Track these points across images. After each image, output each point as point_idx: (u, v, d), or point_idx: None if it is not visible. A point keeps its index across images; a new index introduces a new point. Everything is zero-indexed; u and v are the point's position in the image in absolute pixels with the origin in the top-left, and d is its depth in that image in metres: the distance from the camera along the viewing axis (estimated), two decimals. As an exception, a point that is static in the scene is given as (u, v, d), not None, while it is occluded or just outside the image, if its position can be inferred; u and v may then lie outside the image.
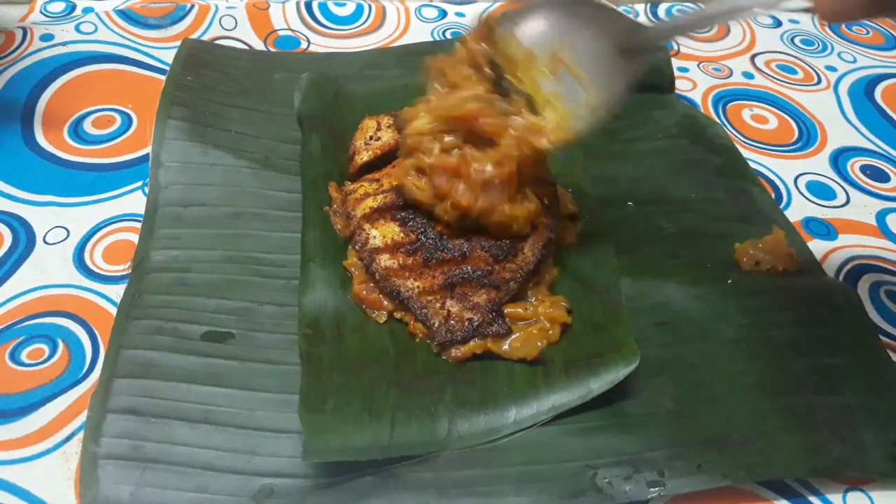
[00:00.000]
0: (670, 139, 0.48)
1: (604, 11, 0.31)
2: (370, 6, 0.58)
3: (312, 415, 0.31)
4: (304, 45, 0.54)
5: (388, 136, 0.40)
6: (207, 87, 0.46)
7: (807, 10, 0.27)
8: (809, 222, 0.45)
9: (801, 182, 0.48)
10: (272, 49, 0.53)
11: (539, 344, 0.34)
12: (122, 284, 0.37)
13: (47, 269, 0.37)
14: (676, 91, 0.52)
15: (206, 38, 0.53)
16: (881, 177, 0.49)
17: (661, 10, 0.63)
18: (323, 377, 0.32)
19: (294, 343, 0.34)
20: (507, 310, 0.35)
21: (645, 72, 0.31)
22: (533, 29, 0.32)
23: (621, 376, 0.32)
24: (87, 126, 0.45)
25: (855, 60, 0.59)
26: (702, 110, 0.52)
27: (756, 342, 0.36)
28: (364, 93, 0.46)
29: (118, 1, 0.55)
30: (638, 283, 0.38)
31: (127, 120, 0.46)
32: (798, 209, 0.45)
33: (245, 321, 0.35)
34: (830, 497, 0.32)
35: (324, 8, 0.58)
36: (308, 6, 0.57)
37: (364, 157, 0.39)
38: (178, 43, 0.50)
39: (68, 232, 0.39)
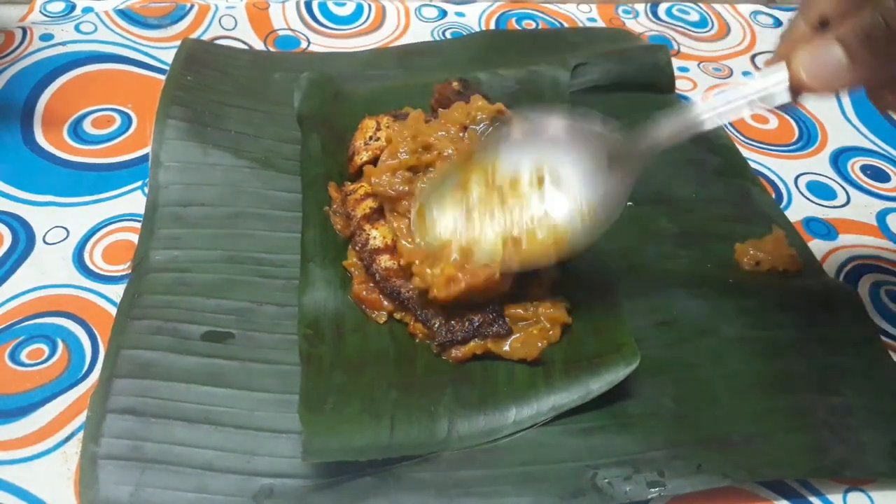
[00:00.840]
0: (670, 139, 0.47)
1: (586, 129, 0.31)
2: (370, 6, 0.58)
3: (312, 415, 0.31)
4: (303, 44, 0.54)
5: (388, 136, 0.40)
6: (207, 86, 0.46)
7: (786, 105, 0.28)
8: (810, 222, 0.45)
9: (802, 182, 0.48)
10: (272, 49, 0.53)
11: (539, 344, 0.34)
12: (122, 284, 0.36)
13: (47, 269, 0.37)
14: (676, 91, 0.52)
15: (205, 37, 0.53)
16: (881, 177, 0.49)
17: (661, 9, 0.63)
18: (323, 377, 0.32)
19: (294, 343, 0.34)
20: (508, 310, 0.35)
21: (636, 180, 0.31)
22: (515, 154, 0.32)
23: (621, 376, 0.32)
24: (87, 126, 0.45)
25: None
26: (702, 110, 0.52)
27: (756, 342, 0.36)
28: (364, 93, 0.46)
29: (118, 1, 0.55)
30: (638, 284, 0.38)
31: (127, 120, 0.46)
32: (798, 209, 0.45)
33: (245, 321, 0.35)
34: (831, 497, 0.32)
35: (324, 8, 0.58)
36: (308, 6, 0.57)
37: (364, 157, 0.39)
38: (178, 43, 0.49)
39: (68, 232, 0.39)
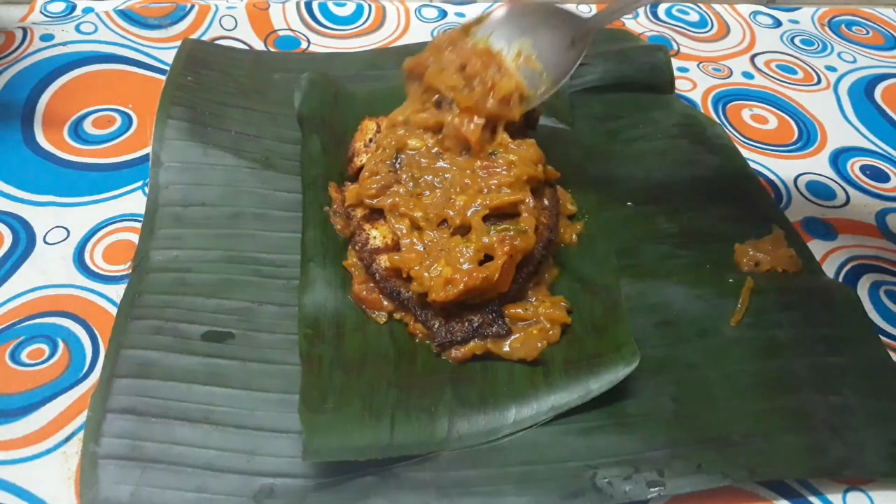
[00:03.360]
0: (670, 139, 0.48)
1: (559, 13, 0.39)
2: (370, 6, 0.58)
3: (312, 415, 0.31)
4: (304, 45, 0.54)
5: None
6: (207, 87, 0.46)
7: None
8: (809, 222, 0.45)
9: (801, 182, 0.48)
10: (272, 49, 0.53)
11: (539, 345, 0.34)
12: (123, 284, 0.37)
13: (47, 269, 0.37)
14: (676, 91, 0.52)
15: (206, 38, 0.53)
16: (881, 177, 0.49)
17: (661, 10, 0.63)
18: (323, 377, 0.32)
19: (294, 343, 0.34)
20: (508, 310, 0.35)
21: (584, 54, 0.38)
22: (502, 32, 0.39)
23: (621, 376, 0.33)
24: (88, 126, 0.45)
25: (855, 60, 0.59)
26: (701, 110, 0.52)
27: (756, 342, 0.36)
28: (364, 93, 0.46)
29: (118, 1, 0.55)
30: (638, 283, 0.38)
31: (127, 120, 0.46)
32: (798, 209, 0.45)
33: (245, 321, 0.35)
34: (830, 497, 0.32)
35: (324, 8, 0.58)
36: (308, 6, 0.57)
37: (363, 158, 0.39)
38: (179, 43, 0.50)
39: (68, 232, 0.39)
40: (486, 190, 0.36)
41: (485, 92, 0.37)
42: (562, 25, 0.39)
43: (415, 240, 0.35)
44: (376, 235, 0.36)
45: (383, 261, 0.35)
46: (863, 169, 0.49)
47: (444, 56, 0.39)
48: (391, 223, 0.36)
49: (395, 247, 0.35)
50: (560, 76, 0.38)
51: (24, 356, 0.34)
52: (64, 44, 0.50)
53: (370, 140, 0.40)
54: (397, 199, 0.36)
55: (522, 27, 0.39)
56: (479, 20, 0.40)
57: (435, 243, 0.34)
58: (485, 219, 0.35)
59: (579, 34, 0.39)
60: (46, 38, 0.50)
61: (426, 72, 0.38)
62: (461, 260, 0.33)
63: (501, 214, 0.35)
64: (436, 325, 0.34)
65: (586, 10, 0.61)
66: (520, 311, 0.35)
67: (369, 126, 0.41)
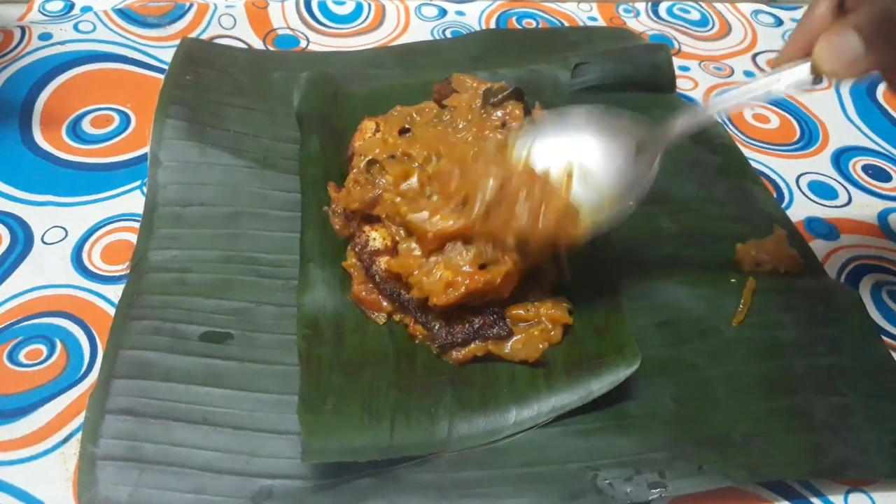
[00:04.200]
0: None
1: (613, 118, 0.33)
2: (370, 5, 0.58)
3: (312, 416, 0.30)
4: (303, 43, 0.54)
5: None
6: (206, 86, 0.46)
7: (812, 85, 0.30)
8: (811, 222, 0.45)
9: (803, 182, 0.47)
10: (271, 48, 0.53)
11: (540, 346, 0.34)
12: (121, 284, 0.36)
13: (45, 270, 0.37)
14: (678, 90, 0.52)
15: (204, 36, 0.53)
16: (883, 176, 0.49)
17: (662, 8, 0.63)
18: (322, 378, 0.32)
19: (293, 344, 0.34)
20: (509, 311, 0.35)
21: (657, 167, 0.33)
22: (544, 146, 0.33)
23: (622, 377, 0.32)
24: (86, 125, 0.45)
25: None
26: (703, 109, 0.52)
27: (757, 342, 0.36)
28: (364, 92, 0.46)
29: (117, 0, 0.55)
30: (639, 284, 0.38)
31: (125, 119, 0.46)
32: (800, 209, 0.45)
33: (244, 322, 0.35)
34: (832, 498, 0.32)
35: (323, 7, 0.57)
36: (307, 5, 0.57)
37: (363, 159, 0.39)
38: (177, 42, 0.49)
39: (66, 232, 0.39)
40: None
41: (534, 209, 0.32)
42: (618, 133, 0.33)
43: (413, 244, 0.34)
44: (376, 237, 0.36)
45: (383, 263, 0.35)
46: (865, 168, 0.49)
47: (474, 168, 0.33)
48: (389, 228, 0.35)
49: (395, 249, 0.35)
50: (628, 192, 0.32)
51: (21, 356, 0.33)
52: (62, 43, 0.50)
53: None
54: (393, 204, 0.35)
55: (567, 141, 0.33)
56: (505, 141, 0.34)
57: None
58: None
59: (645, 141, 0.32)
60: (45, 36, 0.50)
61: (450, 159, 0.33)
62: (460, 263, 0.33)
63: None
64: (436, 327, 0.34)
65: (587, 9, 0.61)
66: (521, 311, 0.35)
67: (368, 126, 0.40)
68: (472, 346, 0.34)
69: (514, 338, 0.34)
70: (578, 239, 0.33)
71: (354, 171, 0.38)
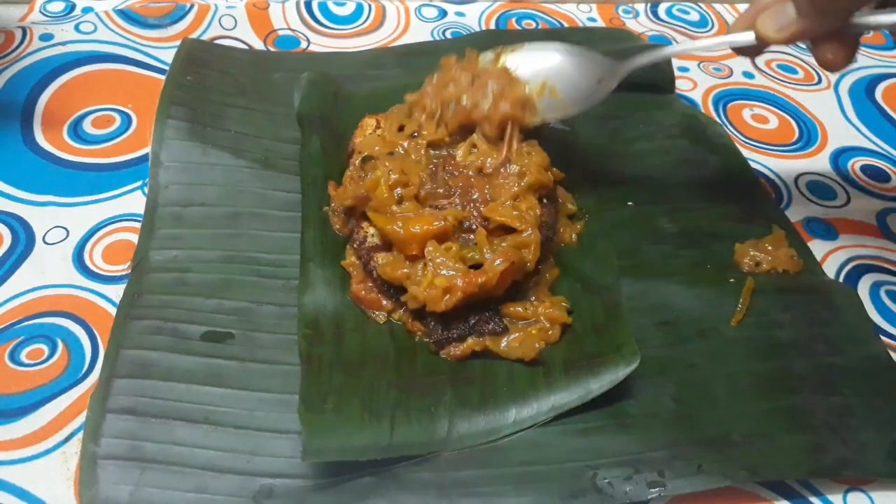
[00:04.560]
0: (670, 139, 0.47)
1: (587, 53, 0.39)
2: (370, 6, 0.58)
3: (312, 415, 0.31)
4: (303, 44, 0.54)
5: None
6: (207, 86, 0.46)
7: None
8: (810, 222, 0.45)
9: (802, 182, 0.48)
10: (272, 49, 0.53)
11: (537, 345, 0.34)
12: (122, 284, 0.36)
13: (47, 270, 0.37)
14: (677, 91, 0.52)
15: (205, 37, 0.53)
16: (882, 177, 0.49)
17: (662, 9, 0.63)
18: (323, 377, 0.32)
19: (294, 343, 0.34)
20: (507, 309, 0.35)
21: (609, 92, 0.39)
22: (525, 66, 0.39)
23: (621, 376, 0.32)
24: (87, 126, 0.45)
25: (855, 60, 0.59)
26: (702, 110, 0.52)
27: (756, 342, 0.36)
28: (364, 93, 0.46)
29: (118, 0, 0.55)
30: (638, 284, 0.38)
31: (126, 120, 0.46)
32: (798, 209, 0.45)
33: (245, 321, 0.35)
34: (831, 497, 0.32)
35: (324, 7, 0.57)
36: (308, 6, 0.57)
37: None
38: (178, 42, 0.49)
39: (68, 232, 0.39)
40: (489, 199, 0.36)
41: (497, 95, 0.37)
42: (589, 64, 0.39)
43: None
44: (374, 233, 0.36)
45: (380, 258, 0.35)
46: (863, 169, 0.49)
47: (452, 73, 0.39)
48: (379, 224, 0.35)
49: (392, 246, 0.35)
50: (581, 107, 0.39)
51: (23, 356, 0.34)
52: (63, 43, 0.50)
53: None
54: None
55: (547, 64, 0.39)
56: (499, 54, 0.39)
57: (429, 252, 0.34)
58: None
59: (607, 73, 0.39)
60: (46, 37, 0.50)
61: (431, 88, 0.39)
62: (447, 265, 0.33)
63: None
64: (433, 323, 0.34)
65: (586, 10, 0.61)
66: (519, 309, 0.35)
67: (369, 123, 0.41)
68: (469, 341, 0.34)
69: (512, 336, 0.34)
70: (528, 123, 0.38)
71: (351, 168, 0.38)
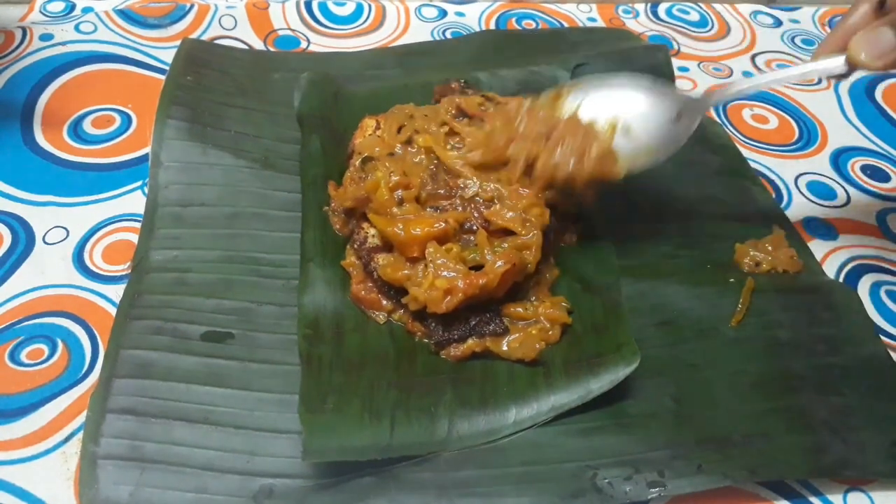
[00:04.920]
0: (670, 139, 0.47)
1: (657, 86, 0.36)
2: (370, 6, 0.58)
3: (312, 415, 0.31)
4: (303, 44, 0.54)
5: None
6: (207, 86, 0.46)
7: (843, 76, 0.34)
8: (810, 222, 0.45)
9: (802, 182, 0.48)
10: (272, 49, 0.53)
11: (537, 345, 0.34)
12: (122, 284, 0.36)
13: (47, 270, 0.37)
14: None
15: (205, 37, 0.53)
16: (882, 177, 0.49)
17: (662, 9, 0.63)
18: (323, 377, 0.32)
19: (294, 343, 0.34)
20: (508, 309, 0.35)
21: (693, 130, 0.36)
22: (592, 104, 0.36)
23: (621, 376, 0.32)
24: (87, 126, 0.45)
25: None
26: (702, 110, 0.52)
27: (756, 342, 0.36)
28: (364, 93, 0.46)
29: (118, 1, 0.55)
30: (638, 284, 0.38)
31: (126, 120, 0.46)
32: (798, 209, 0.45)
33: (245, 321, 0.35)
34: (831, 497, 0.32)
35: (323, 7, 0.57)
36: (308, 6, 0.57)
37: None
38: (178, 42, 0.49)
39: (68, 232, 0.39)
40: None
41: (579, 152, 0.35)
42: (663, 99, 0.36)
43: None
44: (374, 234, 0.36)
45: (381, 259, 0.35)
46: (863, 169, 0.49)
47: (520, 126, 0.36)
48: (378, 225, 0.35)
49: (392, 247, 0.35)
50: (664, 148, 0.35)
51: (23, 356, 0.34)
52: (63, 43, 0.50)
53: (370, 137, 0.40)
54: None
55: (616, 99, 0.36)
56: (559, 93, 0.37)
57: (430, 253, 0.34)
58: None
59: (686, 108, 0.36)
60: (46, 37, 0.50)
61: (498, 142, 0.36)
62: (448, 266, 0.33)
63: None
64: (433, 324, 0.34)
65: (586, 10, 0.61)
66: (520, 310, 0.35)
67: (369, 123, 0.41)
68: (469, 342, 0.34)
69: (512, 336, 0.34)
70: (615, 177, 0.36)
71: (351, 168, 0.38)
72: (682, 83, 0.54)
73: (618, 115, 0.36)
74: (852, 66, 0.32)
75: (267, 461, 0.30)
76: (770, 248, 0.40)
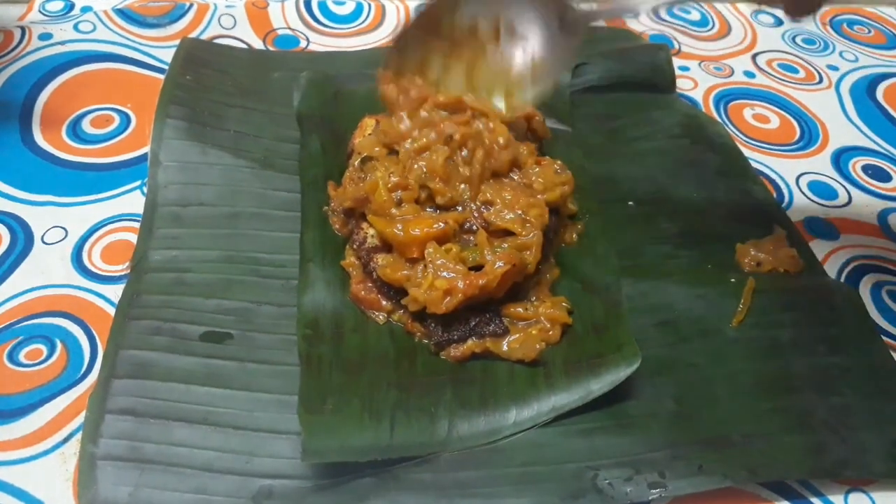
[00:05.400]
0: (671, 139, 0.47)
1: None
2: (370, 5, 0.58)
3: (312, 415, 0.30)
4: (303, 43, 0.54)
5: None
6: (206, 86, 0.46)
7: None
8: (811, 222, 0.45)
9: (803, 182, 0.47)
10: (271, 48, 0.53)
11: (538, 346, 0.34)
12: (121, 284, 0.36)
13: (45, 270, 0.37)
14: (677, 90, 0.52)
15: (204, 36, 0.53)
16: (883, 176, 0.49)
17: (661, 9, 0.63)
18: (322, 378, 0.32)
19: (293, 343, 0.34)
20: (508, 309, 0.35)
21: (580, 48, 0.35)
22: (476, 5, 0.35)
23: (622, 377, 0.32)
24: (86, 125, 0.45)
25: (857, 59, 0.59)
26: (703, 109, 0.52)
27: (757, 342, 0.36)
28: (364, 92, 0.46)
29: (117, 0, 0.55)
30: (638, 283, 0.38)
31: (125, 119, 0.46)
32: (799, 209, 0.45)
33: (244, 321, 0.35)
34: (832, 498, 0.32)
35: (323, 7, 0.57)
36: (307, 5, 0.57)
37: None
38: (177, 42, 0.49)
39: (66, 232, 0.39)
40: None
41: (484, 159, 0.35)
42: (549, 5, 0.35)
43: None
44: (374, 234, 0.36)
45: (380, 259, 0.35)
46: (865, 168, 0.49)
47: (414, 133, 0.35)
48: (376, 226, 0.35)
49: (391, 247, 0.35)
50: (555, 62, 0.35)
51: (22, 356, 0.33)
52: (62, 43, 0.50)
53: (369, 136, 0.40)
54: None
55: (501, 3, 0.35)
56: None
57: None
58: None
59: (570, 20, 0.35)
60: (45, 36, 0.50)
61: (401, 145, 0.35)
62: (448, 267, 0.33)
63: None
64: (433, 324, 0.34)
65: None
66: (520, 310, 0.35)
67: (369, 123, 0.40)
68: (469, 343, 0.34)
69: (512, 337, 0.34)
70: (518, 110, 0.36)
71: (350, 168, 0.38)
72: (682, 82, 0.54)
73: (505, 18, 0.34)
74: None
75: (266, 462, 0.30)
76: (771, 247, 0.40)
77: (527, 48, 0.34)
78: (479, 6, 0.35)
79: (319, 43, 0.54)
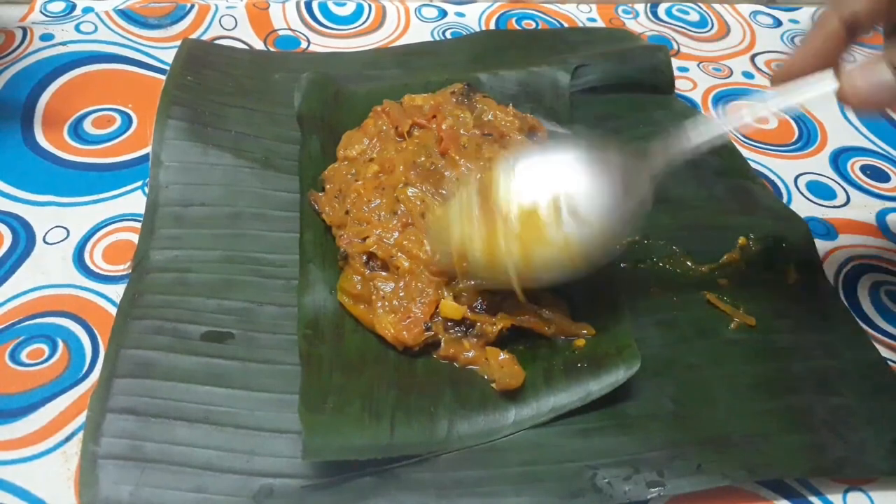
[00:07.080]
0: (670, 139, 0.47)
1: (605, 153, 0.31)
2: (370, 6, 0.58)
3: (312, 415, 0.31)
4: (304, 44, 0.54)
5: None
6: (207, 86, 0.46)
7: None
8: (809, 222, 0.45)
9: (802, 182, 0.48)
10: (272, 49, 0.53)
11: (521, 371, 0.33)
12: (122, 284, 0.36)
13: (47, 269, 0.37)
14: (676, 91, 0.52)
15: (206, 37, 0.53)
16: (881, 177, 0.49)
17: (661, 9, 0.63)
18: (323, 377, 0.32)
19: (294, 343, 0.34)
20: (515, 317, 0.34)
21: (649, 200, 0.32)
22: (533, 178, 0.31)
23: (622, 379, 0.32)
24: (87, 126, 0.45)
25: (855, 61, 0.59)
26: (702, 110, 0.52)
27: (756, 342, 0.36)
28: (364, 93, 0.46)
29: (118, 1, 0.55)
30: (638, 284, 0.38)
31: (127, 120, 0.46)
32: (798, 209, 0.45)
33: (245, 321, 0.35)
34: (830, 497, 0.32)
35: (324, 8, 0.58)
36: (308, 6, 0.57)
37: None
38: (178, 43, 0.49)
39: (68, 232, 0.39)
40: None
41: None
42: (613, 166, 0.31)
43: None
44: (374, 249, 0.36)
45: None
46: (863, 169, 0.49)
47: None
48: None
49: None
50: (621, 225, 0.31)
51: (23, 356, 0.34)
52: (64, 43, 0.50)
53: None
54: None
55: (559, 172, 0.31)
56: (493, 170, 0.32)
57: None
58: None
59: (635, 171, 0.31)
60: (46, 37, 0.50)
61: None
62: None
63: None
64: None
65: (586, 10, 0.61)
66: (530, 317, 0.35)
67: (356, 136, 0.41)
68: (500, 316, 0.34)
69: (502, 356, 0.33)
70: (578, 275, 0.32)
71: (327, 193, 0.39)
72: (681, 83, 0.54)
73: (559, 193, 0.30)
74: (842, 101, 0.29)
75: (267, 461, 0.30)
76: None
77: (589, 219, 0.30)
78: (533, 183, 0.31)
79: (320, 44, 0.55)
